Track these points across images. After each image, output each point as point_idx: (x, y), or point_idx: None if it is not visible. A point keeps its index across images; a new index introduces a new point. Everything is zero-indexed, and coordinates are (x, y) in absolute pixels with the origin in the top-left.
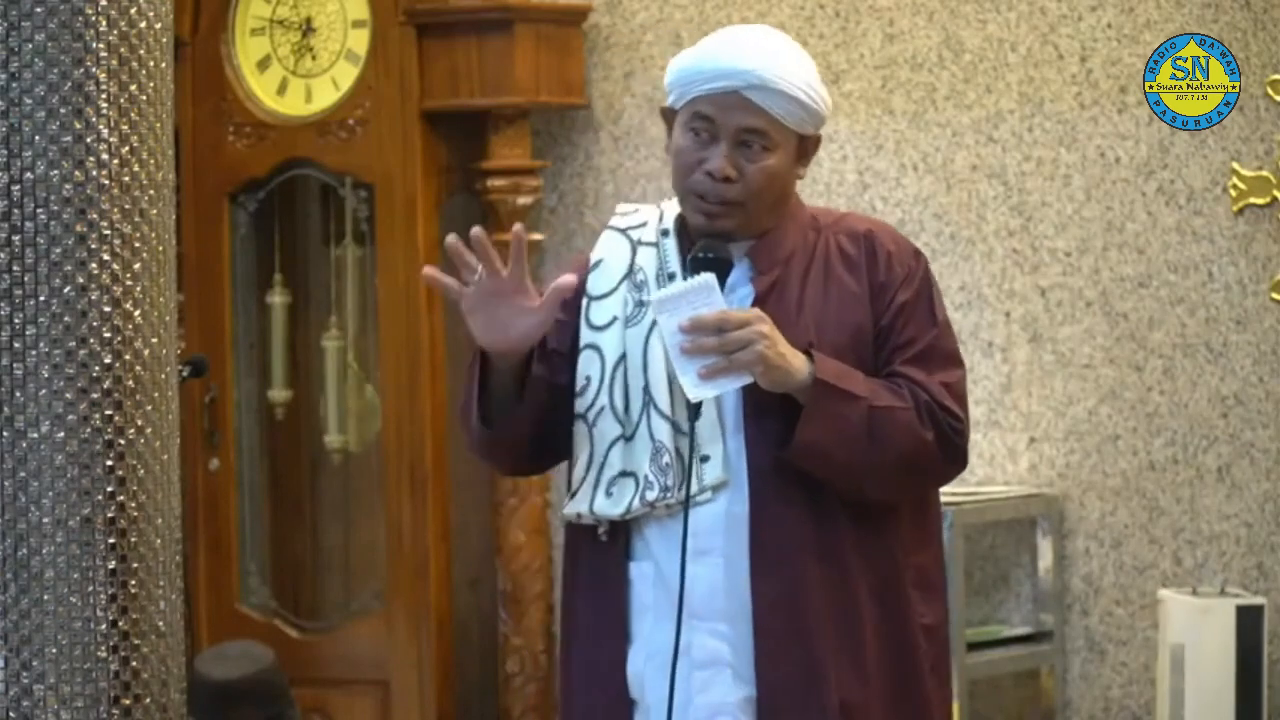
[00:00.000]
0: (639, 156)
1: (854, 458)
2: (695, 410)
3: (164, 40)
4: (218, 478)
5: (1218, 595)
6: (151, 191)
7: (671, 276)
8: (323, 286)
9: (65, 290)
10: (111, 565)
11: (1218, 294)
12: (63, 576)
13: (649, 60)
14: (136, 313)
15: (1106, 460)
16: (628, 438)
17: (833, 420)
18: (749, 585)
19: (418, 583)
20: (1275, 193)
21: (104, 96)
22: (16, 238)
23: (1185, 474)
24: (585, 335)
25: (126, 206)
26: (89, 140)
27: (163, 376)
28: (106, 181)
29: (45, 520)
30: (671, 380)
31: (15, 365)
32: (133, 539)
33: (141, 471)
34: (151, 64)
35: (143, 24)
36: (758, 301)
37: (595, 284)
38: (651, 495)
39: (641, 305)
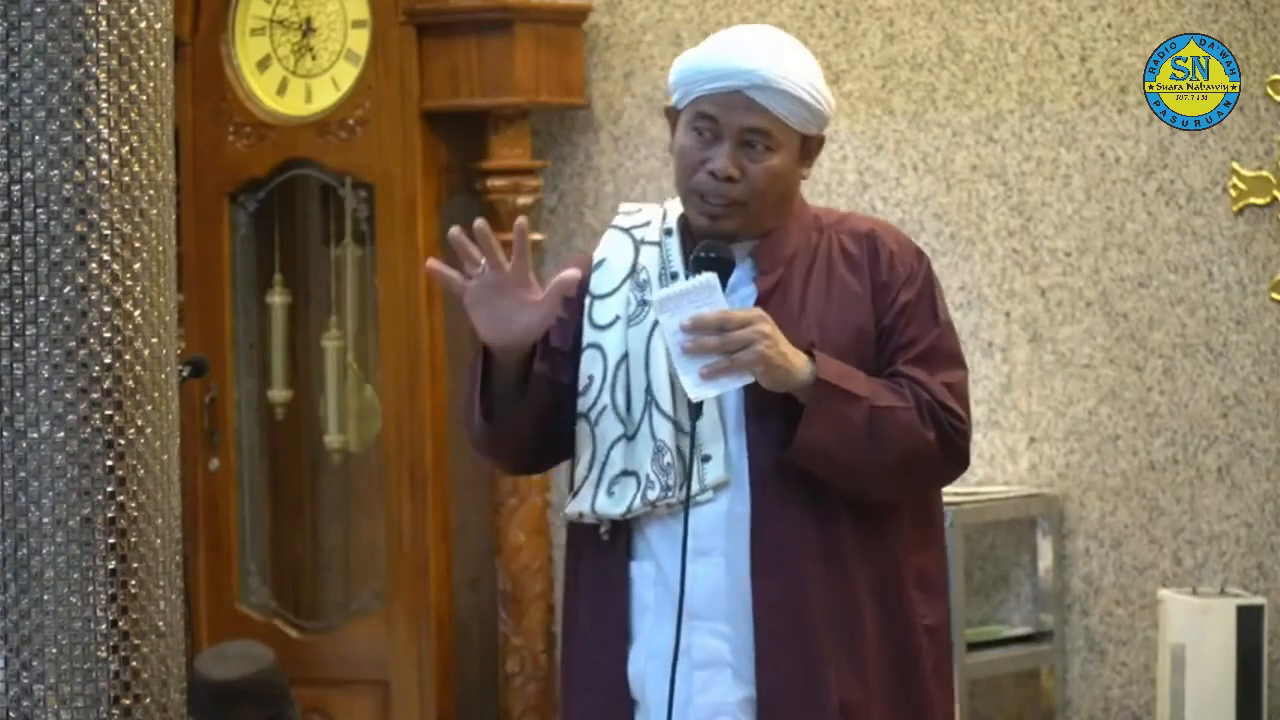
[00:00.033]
0: (639, 156)
1: (855, 458)
2: (697, 410)
3: (164, 40)
4: (218, 478)
5: (1218, 595)
6: (151, 191)
7: (674, 276)
8: (323, 286)
9: (65, 290)
10: (111, 565)
11: (1218, 294)
12: (63, 576)
13: (649, 60)
14: (136, 313)
15: (1106, 460)
16: (629, 437)
17: (834, 420)
18: (750, 585)
19: (418, 583)
20: (1275, 193)
21: (104, 96)
22: (16, 238)
23: (1185, 474)
24: (588, 334)
25: (126, 206)
26: (89, 140)
27: (163, 376)
28: (106, 181)
29: (45, 520)
30: (673, 380)
31: (15, 365)
32: (133, 539)
33: (141, 471)
34: (151, 64)
35: (143, 24)
36: (760, 301)
37: (598, 283)
38: (653, 495)
39: (644, 304)
